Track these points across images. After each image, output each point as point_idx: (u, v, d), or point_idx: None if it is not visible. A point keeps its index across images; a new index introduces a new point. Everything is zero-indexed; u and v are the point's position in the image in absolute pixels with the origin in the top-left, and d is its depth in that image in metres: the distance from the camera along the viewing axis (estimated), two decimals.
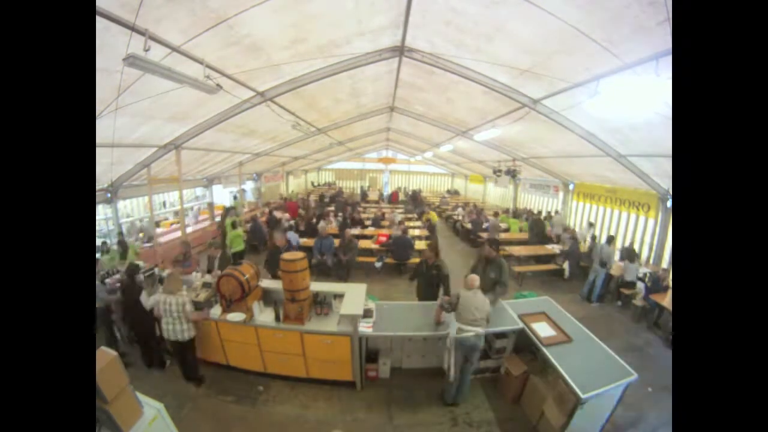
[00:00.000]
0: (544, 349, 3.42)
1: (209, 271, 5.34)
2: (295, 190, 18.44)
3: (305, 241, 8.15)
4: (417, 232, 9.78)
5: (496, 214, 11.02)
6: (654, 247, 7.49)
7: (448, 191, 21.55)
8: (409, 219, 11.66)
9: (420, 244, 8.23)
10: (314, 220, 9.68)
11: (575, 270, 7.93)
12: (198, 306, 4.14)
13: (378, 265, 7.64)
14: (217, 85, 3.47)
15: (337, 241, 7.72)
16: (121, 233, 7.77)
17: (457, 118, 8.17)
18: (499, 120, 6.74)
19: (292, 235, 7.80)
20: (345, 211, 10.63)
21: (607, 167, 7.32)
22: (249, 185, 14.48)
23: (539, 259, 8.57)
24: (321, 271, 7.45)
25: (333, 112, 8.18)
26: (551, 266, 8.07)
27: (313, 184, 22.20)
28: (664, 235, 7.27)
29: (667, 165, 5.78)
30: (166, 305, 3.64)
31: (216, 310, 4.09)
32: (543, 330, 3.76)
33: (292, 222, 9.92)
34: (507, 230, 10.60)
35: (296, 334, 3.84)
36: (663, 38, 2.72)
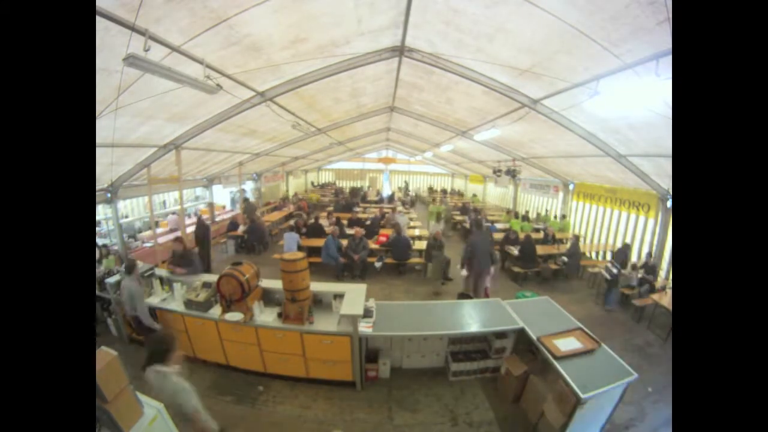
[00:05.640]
0: (544, 350, 3.42)
1: None
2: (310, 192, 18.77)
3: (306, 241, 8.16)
4: (417, 232, 9.79)
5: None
6: (654, 247, 7.49)
7: (443, 191, 21.57)
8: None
9: (420, 245, 8.25)
10: (313, 221, 9.69)
11: (574, 270, 7.94)
12: (197, 306, 4.15)
13: (378, 265, 7.64)
14: (217, 85, 3.47)
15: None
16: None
17: (457, 118, 8.17)
18: (499, 120, 6.74)
19: (293, 236, 7.81)
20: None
21: (607, 167, 7.33)
22: (249, 185, 14.48)
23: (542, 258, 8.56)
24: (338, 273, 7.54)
25: (333, 112, 8.18)
26: (552, 266, 8.06)
27: (312, 184, 22.21)
28: (664, 235, 7.28)
29: (667, 165, 5.78)
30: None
31: (216, 310, 4.10)
32: (568, 344, 3.49)
33: (292, 222, 9.92)
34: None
35: (296, 334, 3.84)
36: (663, 38, 2.72)
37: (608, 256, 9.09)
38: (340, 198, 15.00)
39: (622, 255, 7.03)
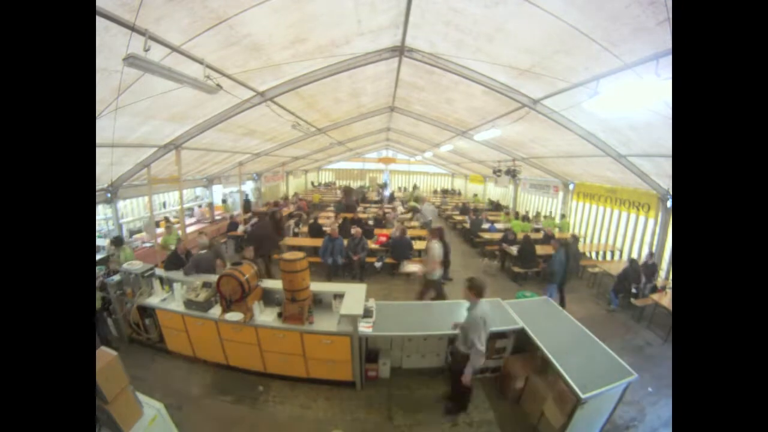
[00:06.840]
0: (544, 349, 3.42)
1: None
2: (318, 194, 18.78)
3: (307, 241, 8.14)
4: (417, 232, 9.78)
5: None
6: (654, 247, 7.49)
7: (444, 191, 21.58)
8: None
9: (420, 244, 8.23)
10: (312, 221, 9.69)
11: (574, 270, 7.93)
12: (197, 306, 4.14)
13: (378, 265, 7.63)
14: (217, 85, 3.47)
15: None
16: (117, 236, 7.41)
17: (457, 118, 8.16)
18: (499, 120, 6.74)
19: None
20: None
21: (607, 167, 7.32)
22: (249, 185, 14.48)
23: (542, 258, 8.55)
24: (331, 272, 7.52)
25: (333, 112, 8.18)
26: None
27: (313, 184, 22.21)
28: (664, 235, 7.27)
29: (667, 165, 5.78)
30: None
31: (216, 310, 4.09)
32: None
33: (291, 223, 9.92)
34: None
35: (296, 334, 3.84)
36: (663, 38, 2.72)
37: (609, 256, 9.15)
38: (341, 199, 14.98)
39: (653, 268, 6.68)
